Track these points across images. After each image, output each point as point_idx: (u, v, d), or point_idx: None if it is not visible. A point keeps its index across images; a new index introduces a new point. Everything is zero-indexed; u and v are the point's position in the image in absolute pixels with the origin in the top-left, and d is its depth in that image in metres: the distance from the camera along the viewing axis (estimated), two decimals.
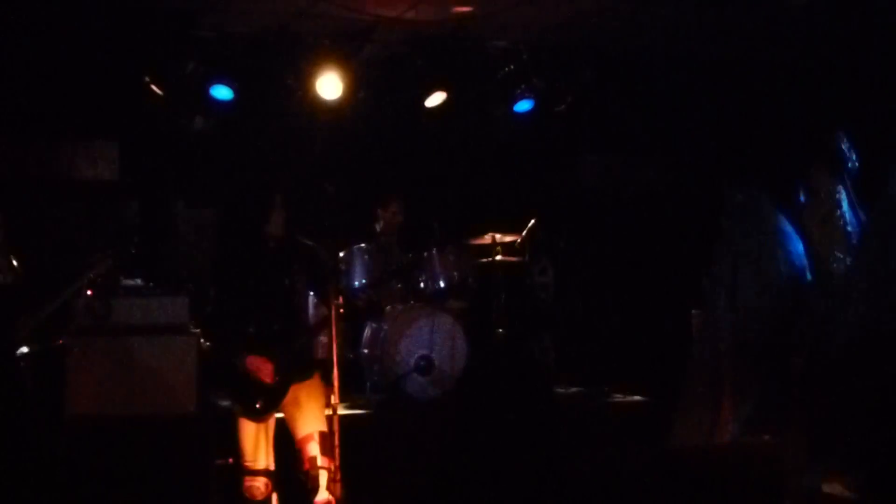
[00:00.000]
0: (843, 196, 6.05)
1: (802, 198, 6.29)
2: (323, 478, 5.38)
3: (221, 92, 8.21)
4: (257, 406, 5.44)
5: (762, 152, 8.46)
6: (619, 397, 7.82)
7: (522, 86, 8.82)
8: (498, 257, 8.03)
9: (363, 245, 7.86)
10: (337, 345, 5.38)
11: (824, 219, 6.01)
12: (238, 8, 7.69)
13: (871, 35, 7.99)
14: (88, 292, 6.48)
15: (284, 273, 5.61)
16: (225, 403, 6.24)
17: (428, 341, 7.60)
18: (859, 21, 7.84)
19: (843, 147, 6.27)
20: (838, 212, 5.96)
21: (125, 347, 6.70)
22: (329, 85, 8.30)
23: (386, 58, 8.71)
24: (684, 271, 7.87)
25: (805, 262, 5.95)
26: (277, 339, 5.50)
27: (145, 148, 8.53)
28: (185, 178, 8.70)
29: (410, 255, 7.94)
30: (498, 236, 8.04)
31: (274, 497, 5.57)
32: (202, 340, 6.79)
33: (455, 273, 7.89)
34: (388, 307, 7.84)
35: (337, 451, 5.33)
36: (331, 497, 5.36)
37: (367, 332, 7.94)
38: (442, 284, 7.86)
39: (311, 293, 5.87)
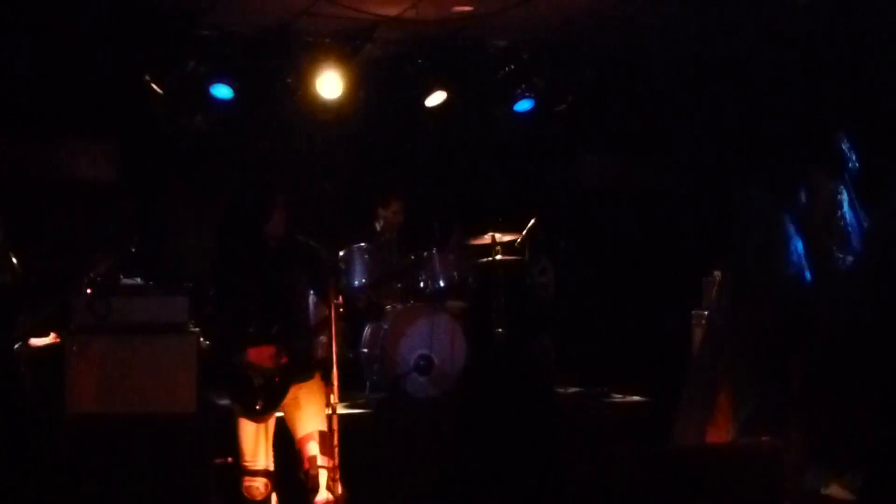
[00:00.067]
0: (843, 197, 6.05)
1: (803, 197, 6.28)
2: (323, 477, 5.37)
3: (222, 91, 8.21)
4: (257, 406, 5.43)
5: (762, 152, 8.46)
6: (618, 397, 7.82)
7: (522, 85, 8.82)
8: (498, 257, 8.02)
9: (363, 244, 7.85)
10: (337, 344, 5.38)
11: (825, 219, 6.00)
12: (238, 7, 7.69)
13: (871, 35, 7.99)
14: (88, 291, 6.47)
15: (285, 273, 5.61)
16: (224, 402, 6.23)
17: (428, 341, 7.60)
18: (860, 21, 7.83)
19: (844, 147, 6.27)
20: (839, 212, 5.96)
21: (125, 346, 6.70)
22: (329, 84, 8.30)
23: (386, 57, 8.71)
24: (684, 271, 7.88)
25: (805, 261, 5.95)
26: (278, 339, 5.50)
27: (145, 147, 8.53)
28: (185, 177, 8.69)
29: (412, 254, 7.94)
30: (498, 236, 8.03)
31: (273, 497, 5.57)
32: (201, 339, 6.79)
33: (455, 273, 7.88)
34: (388, 307, 7.83)
35: (336, 450, 5.33)
36: (331, 497, 5.35)
37: (366, 331, 7.94)
38: (442, 284, 7.86)
39: (312, 293, 5.86)
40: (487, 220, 8.23)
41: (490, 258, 8.04)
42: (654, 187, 9.58)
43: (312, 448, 5.42)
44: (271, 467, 5.52)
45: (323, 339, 5.75)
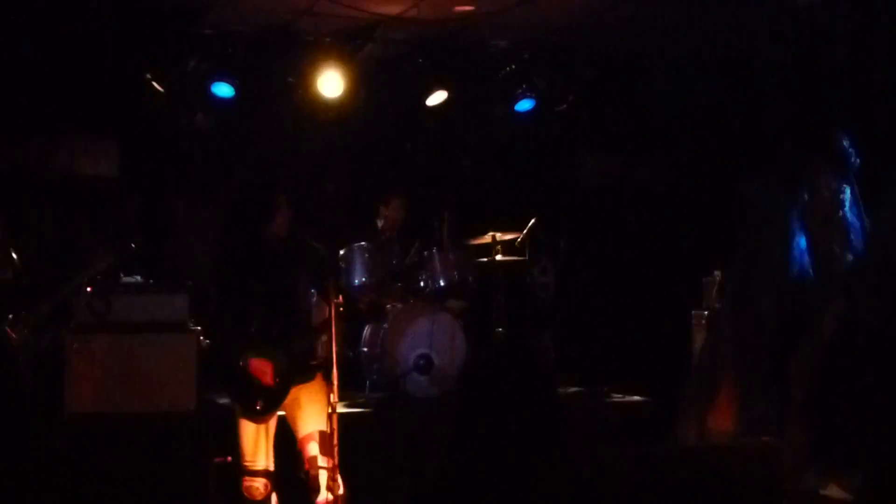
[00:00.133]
0: (846, 196, 6.04)
1: (806, 196, 6.27)
2: (323, 478, 5.37)
3: (222, 90, 8.20)
4: (258, 407, 5.42)
5: (762, 152, 8.45)
6: (618, 397, 7.82)
7: (523, 85, 8.81)
8: (498, 257, 8.02)
9: (363, 243, 7.86)
10: (337, 344, 5.37)
11: (826, 218, 6.00)
12: (239, 6, 7.68)
13: (871, 35, 7.98)
14: (88, 289, 6.48)
15: (287, 273, 5.61)
16: (224, 401, 6.23)
17: (428, 340, 7.60)
18: (860, 21, 7.83)
19: (845, 145, 6.26)
20: (840, 212, 5.95)
21: (125, 345, 6.71)
22: (330, 83, 8.29)
23: (387, 57, 8.71)
24: (684, 271, 7.88)
25: (808, 259, 5.94)
26: (279, 339, 5.49)
27: (146, 145, 8.53)
28: (186, 175, 8.69)
29: (414, 253, 7.94)
30: (498, 235, 8.03)
31: (273, 497, 5.56)
32: (201, 338, 6.79)
33: (455, 272, 7.88)
34: (388, 306, 7.83)
35: (336, 449, 5.32)
36: (331, 497, 5.35)
37: (366, 331, 7.94)
38: (442, 283, 7.86)
39: (314, 293, 5.86)
40: (487, 219, 8.23)
41: (490, 258, 8.04)
42: (654, 187, 9.58)
43: (313, 448, 5.41)
44: (271, 467, 5.51)
45: (324, 338, 5.75)
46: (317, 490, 5.37)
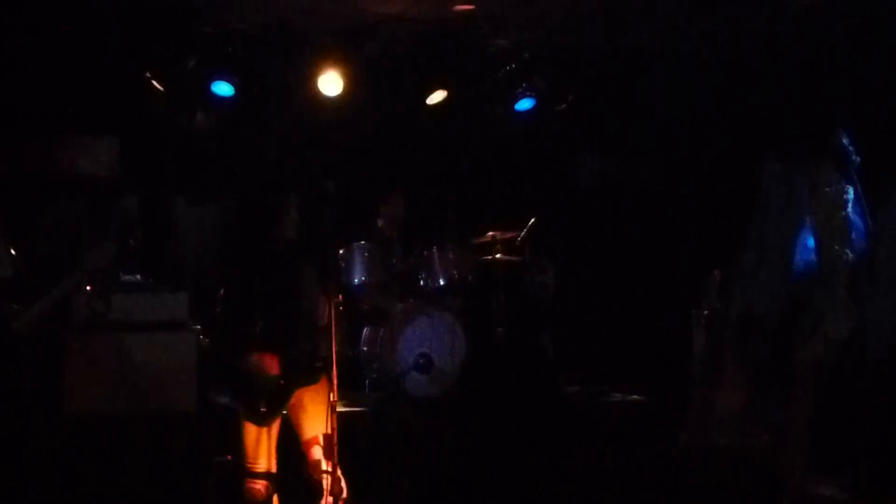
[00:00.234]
0: (850, 196, 6.03)
1: (806, 195, 6.27)
2: (327, 482, 5.34)
3: (222, 88, 8.19)
4: (262, 409, 5.39)
5: (762, 151, 8.44)
6: (618, 397, 7.82)
7: (523, 84, 8.80)
8: (498, 256, 8.02)
9: (363, 242, 7.85)
10: (337, 343, 5.36)
11: (828, 217, 5.99)
12: (239, 4, 7.68)
13: (871, 35, 7.98)
14: (88, 288, 6.46)
15: (293, 274, 5.58)
16: (224, 401, 6.22)
17: (427, 339, 7.60)
18: (860, 21, 7.83)
19: (845, 143, 6.26)
20: (843, 212, 5.94)
21: (124, 344, 6.69)
22: (330, 82, 8.29)
23: (387, 56, 8.70)
24: (684, 271, 7.88)
25: (814, 259, 5.93)
26: (284, 341, 5.46)
27: (146, 144, 8.52)
28: (186, 174, 8.69)
29: (417, 252, 7.94)
30: (498, 235, 8.03)
31: (275, 499, 5.54)
32: (201, 337, 6.77)
33: (455, 271, 7.88)
34: (391, 308, 7.83)
35: (335, 448, 5.31)
36: (332, 500, 5.33)
37: (366, 330, 7.94)
38: (442, 283, 7.86)
39: (321, 295, 5.83)
40: (487, 219, 8.23)
41: (490, 257, 8.04)
42: (654, 187, 9.58)
43: (317, 452, 5.39)
44: (273, 469, 5.47)
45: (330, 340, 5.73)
46: (320, 494, 5.35)
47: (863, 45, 7.95)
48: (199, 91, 8.21)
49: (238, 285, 5.56)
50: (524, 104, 8.87)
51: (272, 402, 5.42)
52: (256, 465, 5.45)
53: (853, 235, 5.89)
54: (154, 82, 8.10)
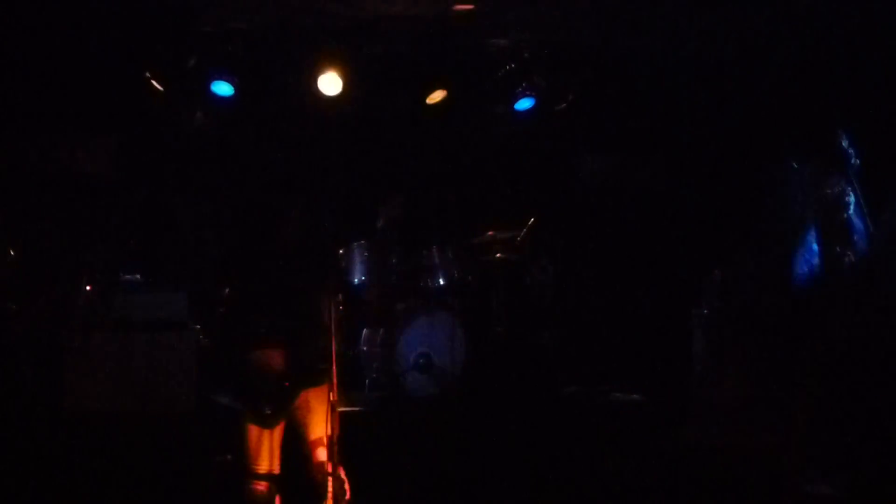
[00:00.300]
0: (851, 198, 6.03)
1: (809, 195, 6.27)
2: (331, 484, 5.32)
3: (222, 88, 8.20)
4: (266, 412, 5.37)
5: (762, 151, 8.45)
6: (618, 396, 7.82)
7: (523, 84, 8.81)
8: (498, 255, 8.02)
9: (363, 242, 7.86)
10: (337, 343, 5.35)
11: (830, 217, 5.99)
12: (239, 4, 7.68)
13: (871, 35, 7.98)
14: (88, 288, 6.47)
15: (299, 274, 5.56)
16: (224, 400, 6.22)
17: (427, 339, 7.61)
18: (860, 21, 7.83)
19: (844, 145, 6.26)
20: (844, 214, 5.94)
21: (124, 343, 6.69)
22: (329, 81, 8.29)
23: (386, 55, 8.70)
24: (684, 271, 7.88)
25: (818, 261, 5.93)
26: (290, 341, 5.44)
27: (145, 143, 8.52)
28: (185, 173, 8.69)
29: (417, 253, 7.94)
30: (498, 234, 8.04)
31: (277, 500, 5.53)
32: (201, 336, 6.78)
33: (455, 271, 7.89)
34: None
35: (336, 448, 5.30)
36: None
37: (366, 330, 7.94)
38: (442, 282, 7.87)
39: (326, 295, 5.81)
40: (487, 219, 8.24)
41: (490, 257, 8.04)
42: (654, 187, 9.57)
43: (322, 453, 5.38)
44: (276, 470, 5.44)
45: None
46: (323, 496, 5.33)
47: (863, 46, 7.95)
48: (199, 91, 8.21)
49: (243, 285, 5.54)
50: (524, 104, 8.87)
51: (277, 404, 5.40)
52: (259, 466, 5.43)
53: (854, 237, 5.89)
54: (154, 82, 8.10)
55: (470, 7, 7.76)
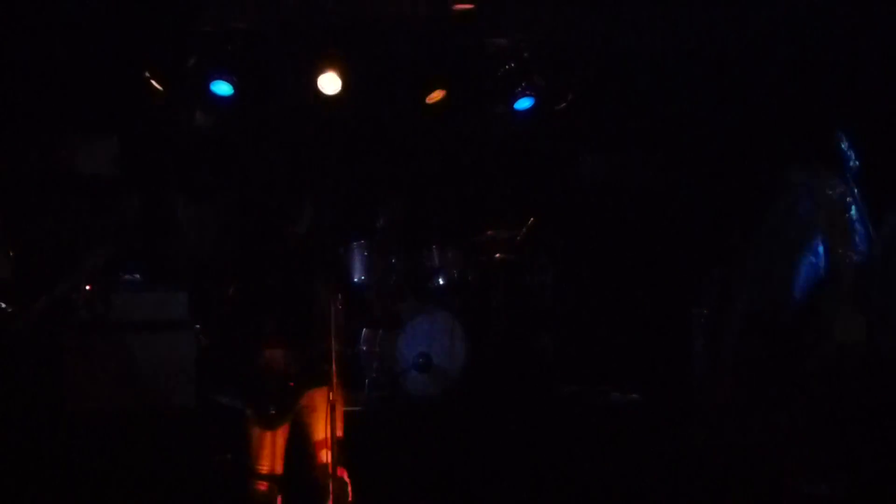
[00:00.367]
0: (852, 200, 6.04)
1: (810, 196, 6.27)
2: (334, 486, 5.32)
3: (222, 88, 8.19)
4: (271, 412, 5.37)
5: (763, 151, 8.46)
6: (617, 396, 7.82)
7: (523, 84, 8.80)
8: (497, 255, 8.02)
9: (362, 241, 7.86)
10: (340, 343, 5.35)
11: (832, 218, 5.99)
12: (239, 3, 7.68)
13: (871, 35, 7.99)
14: (88, 287, 6.46)
15: (306, 274, 5.56)
16: (225, 400, 6.23)
17: (427, 339, 7.61)
18: (860, 21, 7.83)
19: (843, 147, 6.26)
20: (846, 215, 5.95)
21: (124, 343, 6.70)
22: (329, 81, 8.28)
23: (386, 55, 8.70)
24: (684, 270, 7.88)
25: (823, 263, 5.94)
26: (295, 341, 5.44)
27: (146, 143, 8.52)
28: (186, 173, 8.69)
29: (417, 252, 7.94)
30: (498, 234, 8.04)
31: (278, 501, 5.53)
32: (200, 336, 6.78)
33: (455, 271, 7.89)
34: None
35: (335, 449, 5.30)
36: None
37: (365, 329, 7.94)
38: (441, 282, 7.87)
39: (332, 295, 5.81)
40: (487, 218, 8.24)
41: (489, 256, 8.04)
42: (654, 187, 9.57)
43: (325, 455, 5.38)
44: (278, 471, 5.44)
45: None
46: (326, 497, 5.33)
47: (863, 46, 7.95)
48: (198, 90, 8.21)
49: (248, 284, 5.53)
50: (523, 103, 8.87)
51: (281, 405, 5.39)
52: (261, 466, 5.42)
53: (857, 239, 5.90)
54: (154, 82, 8.10)
55: (469, 6, 7.76)
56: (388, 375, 7.61)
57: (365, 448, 6.48)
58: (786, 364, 5.81)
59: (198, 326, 6.84)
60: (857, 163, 6.24)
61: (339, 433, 5.41)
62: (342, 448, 5.32)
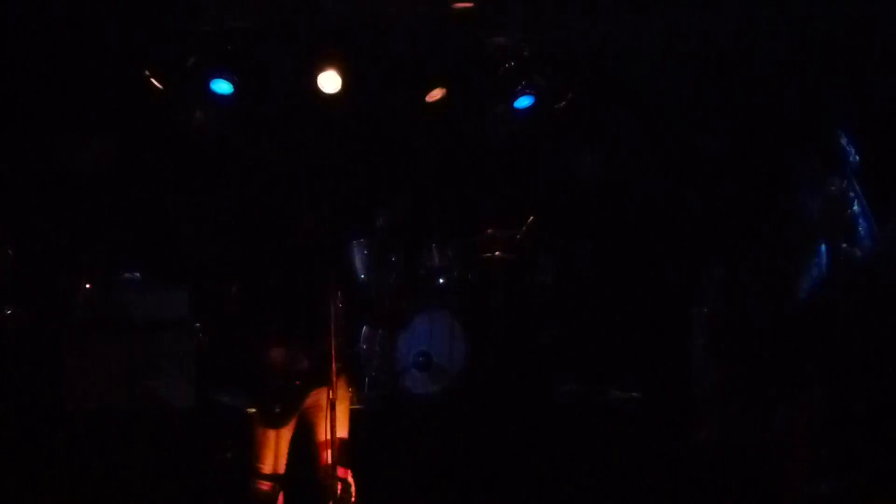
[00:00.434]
0: (853, 195, 6.03)
1: (806, 195, 6.26)
2: (338, 487, 5.32)
3: (222, 87, 8.19)
4: (276, 411, 5.36)
5: (763, 149, 8.46)
6: (617, 394, 7.83)
7: (523, 82, 8.79)
8: (497, 254, 8.02)
9: (362, 240, 7.86)
10: (341, 342, 5.35)
11: (834, 215, 5.98)
12: (239, 3, 7.68)
13: (871, 34, 7.99)
14: (87, 286, 6.47)
15: (312, 273, 5.55)
16: (225, 399, 6.23)
17: (427, 337, 7.62)
18: (860, 21, 7.83)
19: (843, 143, 6.25)
20: (849, 211, 5.94)
21: (124, 342, 6.70)
22: (329, 80, 8.28)
23: (386, 53, 8.69)
24: (684, 270, 7.88)
25: (826, 261, 5.93)
26: (301, 340, 5.43)
27: (145, 142, 8.52)
28: (185, 172, 8.69)
29: (417, 251, 7.94)
30: (498, 233, 8.04)
31: (280, 500, 5.52)
32: (200, 335, 6.78)
33: (455, 270, 7.89)
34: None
35: (335, 449, 5.30)
36: None
37: (365, 328, 7.94)
38: (441, 281, 7.87)
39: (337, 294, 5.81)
40: (487, 217, 8.23)
41: (490, 255, 8.04)
42: (654, 186, 9.57)
43: (329, 456, 5.37)
44: (281, 470, 5.44)
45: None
46: (329, 498, 5.33)
47: (863, 45, 7.96)
48: (198, 89, 8.21)
49: (252, 283, 5.52)
50: (523, 102, 8.86)
51: (287, 404, 5.38)
52: (264, 466, 5.42)
53: (860, 234, 5.89)
54: (153, 80, 8.09)
55: (469, 5, 7.76)
56: (388, 374, 7.62)
57: (365, 446, 6.49)
58: (787, 363, 5.81)
59: (197, 325, 6.84)
60: (858, 158, 6.23)
61: (345, 433, 5.41)
62: (349, 449, 5.32)
